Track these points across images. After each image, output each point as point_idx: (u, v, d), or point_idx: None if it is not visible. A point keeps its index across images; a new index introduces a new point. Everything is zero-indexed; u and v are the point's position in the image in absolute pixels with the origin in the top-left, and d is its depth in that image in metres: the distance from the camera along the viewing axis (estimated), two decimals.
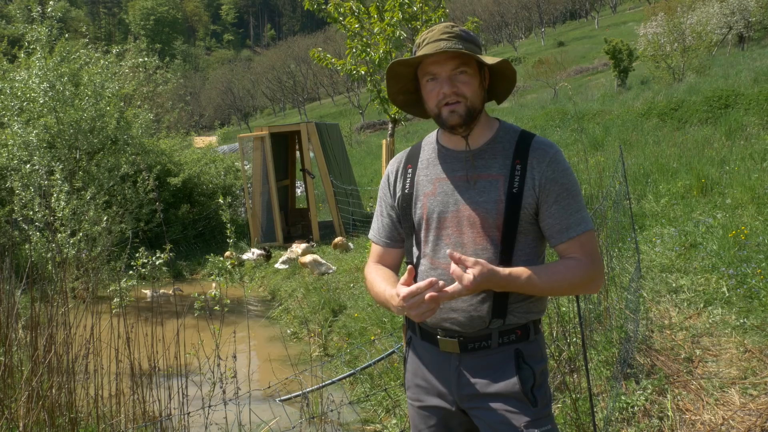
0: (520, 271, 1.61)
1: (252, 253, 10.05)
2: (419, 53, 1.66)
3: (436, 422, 1.80)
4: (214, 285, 9.01)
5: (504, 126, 1.75)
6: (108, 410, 3.37)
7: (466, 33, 1.68)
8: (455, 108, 1.65)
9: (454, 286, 1.56)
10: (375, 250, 1.93)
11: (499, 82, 1.74)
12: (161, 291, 8.11)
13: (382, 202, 1.90)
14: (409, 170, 1.81)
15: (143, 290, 7.88)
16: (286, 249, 9.99)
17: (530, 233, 1.69)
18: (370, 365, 4.40)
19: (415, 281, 1.74)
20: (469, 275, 1.54)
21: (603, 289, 4.20)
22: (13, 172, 8.88)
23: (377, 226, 1.92)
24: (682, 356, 3.81)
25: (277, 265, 9.05)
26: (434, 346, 1.76)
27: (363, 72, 7.35)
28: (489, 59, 1.63)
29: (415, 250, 1.80)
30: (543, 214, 1.67)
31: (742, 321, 4.08)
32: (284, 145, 12.10)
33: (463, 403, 1.73)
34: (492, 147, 1.70)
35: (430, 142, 1.83)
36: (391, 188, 1.86)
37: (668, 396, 3.33)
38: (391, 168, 1.88)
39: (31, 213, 7.86)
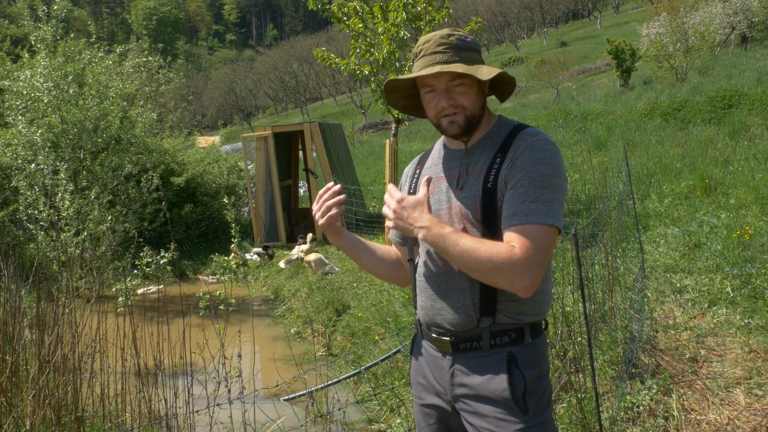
0: (448, 226, 1.62)
1: (252, 254, 10.08)
2: (416, 64, 1.68)
3: (436, 421, 1.80)
4: (201, 278, 9.06)
5: (501, 121, 1.74)
6: (114, 409, 3.38)
7: (462, 41, 1.66)
8: (454, 119, 1.65)
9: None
10: (393, 246, 2.03)
11: (500, 84, 1.74)
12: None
13: None
14: (418, 171, 1.87)
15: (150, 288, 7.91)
16: (290, 249, 10.01)
17: None
18: (375, 364, 4.41)
19: (414, 279, 1.82)
20: (390, 212, 1.66)
21: (607, 289, 4.21)
22: (17, 172, 8.91)
23: None
24: (687, 356, 3.80)
25: (281, 264, 9.06)
26: (432, 345, 1.77)
27: (366, 72, 7.36)
28: (484, 73, 1.61)
29: (415, 247, 1.85)
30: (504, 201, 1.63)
31: (746, 321, 4.08)
32: (287, 144, 12.11)
33: (455, 403, 1.73)
34: (483, 143, 1.71)
35: (439, 143, 1.86)
36: (402, 190, 1.92)
37: (673, 396, 3.33)
38: (406, 170, 1.95)
39: (35, 212, 7.88)
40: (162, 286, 8.22)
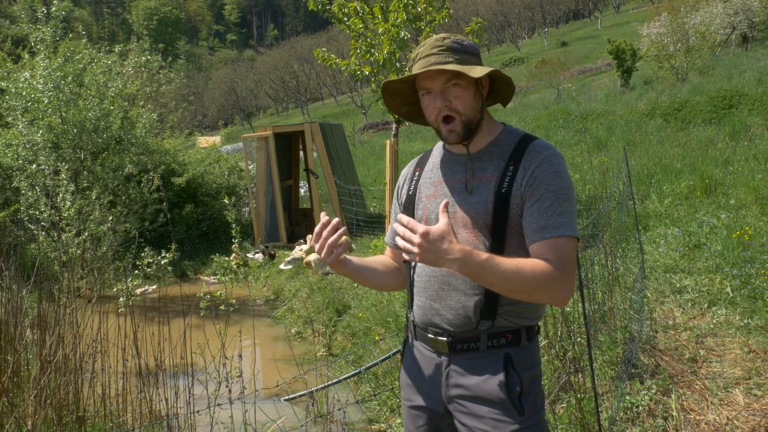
0: (482, 252, 1.55)
1: (252, 254, 10.10)
2: (413, 69, 1.70)
3: (425, 422, 1.80)
4: (203, 278, 9.09)
5: (507, 130, 1.75)
6: (115, 409, 3.39)
7: (458, 43, 1.68)
8: (452, 127, 1.67)
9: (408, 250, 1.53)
10: (386, 250, 2.01)
11: (499, 86, 1.75)
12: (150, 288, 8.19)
13: (394, 204, 1.97)
14: (417, 173, 1.87)
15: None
16: (290, 249, 10.01)
17: (521, 235, 1.66)
18: (375, 364, 4.42)
19: (412, 280, 1.82)
20: (414, 248, 1.49)
21: (607, 290, 4.22)
22: (18, 172, 8.93)
23: (390, 228, 1.97)
24: (687, 356, 3.81)
25: (282, 266, 9.07)
26: (426, 346, 1.78)
27: (367, 72, 7.36)
28: (477, 71, 1.62)
29: None
30: (524, 213, 1.63)
31: (746, 321, 4.08)
32: (288, 145, 12.13)
33: (449, 404, 1.73)
34: (490, 150, 1.71)
35: (439, 146, 1.87)
36: (400, 191, 1.93)
37: (672, 396, 3.34)
38: (404, 172, 1.95)
39: (36, 213, 7.90)
40: (155, 286, 8.24)
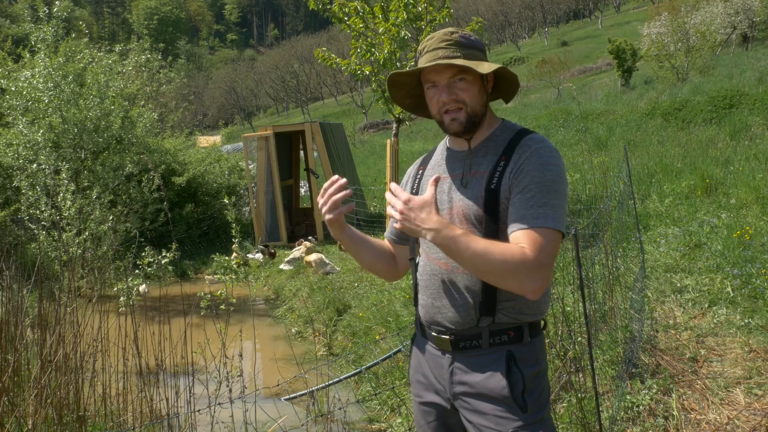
0: (459, 228, 1.57)
1: (253, 254, 10.09)
2: (420, 62, 1.70)
3: (435, 418, 1.82)
4: (206, 278, 9.09)
5: (504, 125, 1.76)
6: (115, 408, 3.40)
7: (465, 38, 1.69)
8: (456, 116, 1.68)
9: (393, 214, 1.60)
10: (385, 243, 2.03)
11: (503, 83, 1.76)
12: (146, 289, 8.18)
13: None
14: (420, 171, 1.89)
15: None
16: (290, 248, 10.01)
17: None
18: (375, 364, 4.42)
19: (415, 277, 1.85)
20: (396, 214, 1.58)
21: (608, 289, 4.22)
22: (19, 172, 8.93)
23: (390, 224, 2.02)
24: (687, 356, 3.81)
25: (282, 266, 9.07)
26: (432, 343, 1.80)
27: (367, 72, 7.36)
28: (484, 67, 1.63)
29: (416, 246, 1.89)
30: (509, 204, 1.63)
31: (746, 321, 4.08)
32: (288, 144, 12.13)
33: (455, 401, 1.75)
34: (486, 145, 1.73)
35: (442, 144, 1.89)
36: (404, 189, 1.92)
37: (673, 395, 3.34)
38: (408, 170, 1.98)
39: (37, 212, 7.90)
40: (144, 285, 8.23)
